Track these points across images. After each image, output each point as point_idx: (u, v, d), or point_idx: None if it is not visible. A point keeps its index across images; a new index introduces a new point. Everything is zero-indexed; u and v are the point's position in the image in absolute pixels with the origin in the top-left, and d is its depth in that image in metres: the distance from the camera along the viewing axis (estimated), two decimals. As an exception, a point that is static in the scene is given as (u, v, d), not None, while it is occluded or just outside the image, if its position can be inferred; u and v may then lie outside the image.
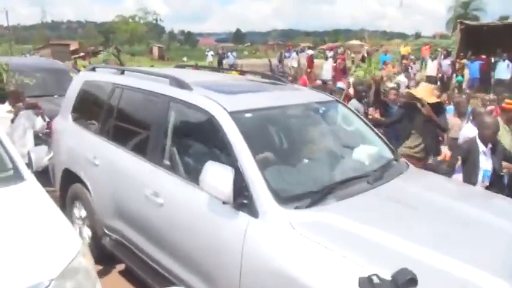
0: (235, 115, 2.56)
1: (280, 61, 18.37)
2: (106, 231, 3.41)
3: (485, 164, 3.67)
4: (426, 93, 4.53)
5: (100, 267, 3.63)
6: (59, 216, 2.33)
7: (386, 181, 2.68)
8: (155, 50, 37.29)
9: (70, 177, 3.79)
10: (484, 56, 14.77)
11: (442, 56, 16.07)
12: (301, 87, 4.06)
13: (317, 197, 2.33)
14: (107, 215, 3.35)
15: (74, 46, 37.88)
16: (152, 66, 14.81)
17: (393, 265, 1.76)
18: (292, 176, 2.56)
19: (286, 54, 21.93)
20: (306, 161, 2.78)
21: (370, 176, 2.66)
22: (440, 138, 5.15)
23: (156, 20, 63.87)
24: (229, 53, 23.06)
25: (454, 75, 14.90)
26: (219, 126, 2.53)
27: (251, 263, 2.15)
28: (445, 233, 2.21)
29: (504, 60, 13.91)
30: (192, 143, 2.88)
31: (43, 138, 4.70)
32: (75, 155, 3.71)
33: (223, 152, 2.51)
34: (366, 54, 17.14)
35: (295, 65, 18.16)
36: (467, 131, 4.65)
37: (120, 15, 56.66)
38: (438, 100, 4.68)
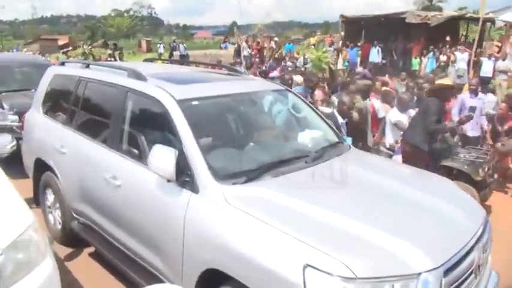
0: (183, 103, 2.80)
1: (239, 52, 19.36)
2: (74, 214, 3.65)
3: None
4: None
5: (71, 250, 3.91)
6: (11, 193, 2.46)
7: (323, 161, 2.94)
8: (144, 44, 37.32)
9: (41, 166, 4.02)
10: (359, 44, 18.37)
11: (328, 45, 19.19)
12: (255, 78, 4.31)
13: (254, 174, 2.57)
14: (74, 200, 3.58)
15: (63, 41, 37.93)
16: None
17: (315, 232, 2.05)
18: (234, 157, 2.81)
19: (222, 46, 24.14)
20: (250, 144, 3.03)
21: (309, 156, 2.92)
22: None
23: (151, 14, 64.12)
24: (180, 45, 23.91)
25: (341, 60, 17.70)
26: (167, 113, 2.77)
27: (191, 233, 2.41)
28: (369, 205, 2.43)
29: (376, 46, 17.04)
30: (145, 129, 3.11)
31: (17, 131, 4.91)
32: (45, 145, 3.94)
33: (171, 137, 2.75)
34: (274, 46, 19.11)
35: (246, 54, 19.35)
36: (393, 115, 5.54)
37: (115, 9, 56.92)
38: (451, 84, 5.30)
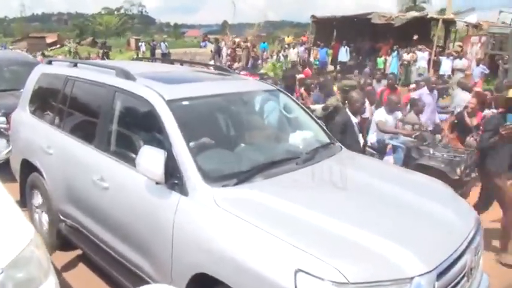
0: (172, 103, 2.74)
1: (218, 52, 19.51)
2: (61, 217, 3.57)
3: None
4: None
5: (60, 253, 3.82)
6: (11, 206, 2.31)
7: (315, 162, 2.90)
8: (132, 42, 37.01)
9: (28, 167, 3.93)
10: (332, 44, 19.53)
11: (299, 45, 20.23)
12: (246, 77, 4.27)
13: (244, 176, 2.53)
14: (61, 202, 3.50)
15: (51, 39, 37.60)
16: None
17: (307, 235, 2.02)
18: (224, 158, 2.76)
19: (202, 44, 25.04)
20: (240, 145, 2.99)
21: (300, 158, 2.88)
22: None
23: (141, 12, 64.27)
24: (161, 43, 24.47)
25: (312, 59, 18.61)
26: (156, 113, 2.71)
27: (180, 237, 2.36)
28: (361, 208, 2.39)
29: (344, 46, 18.03)
30: (134, 129, 3.05)
31: (5, 133, 4.80)
32: (32, 146, 3.85)
33: (160, 138, 2.69)
34: (249, 45, 19.76)
35: (229, 53, 19.98)
36: (377, 115, 5.67)
37: (106, 8, 56.99)
38: None
